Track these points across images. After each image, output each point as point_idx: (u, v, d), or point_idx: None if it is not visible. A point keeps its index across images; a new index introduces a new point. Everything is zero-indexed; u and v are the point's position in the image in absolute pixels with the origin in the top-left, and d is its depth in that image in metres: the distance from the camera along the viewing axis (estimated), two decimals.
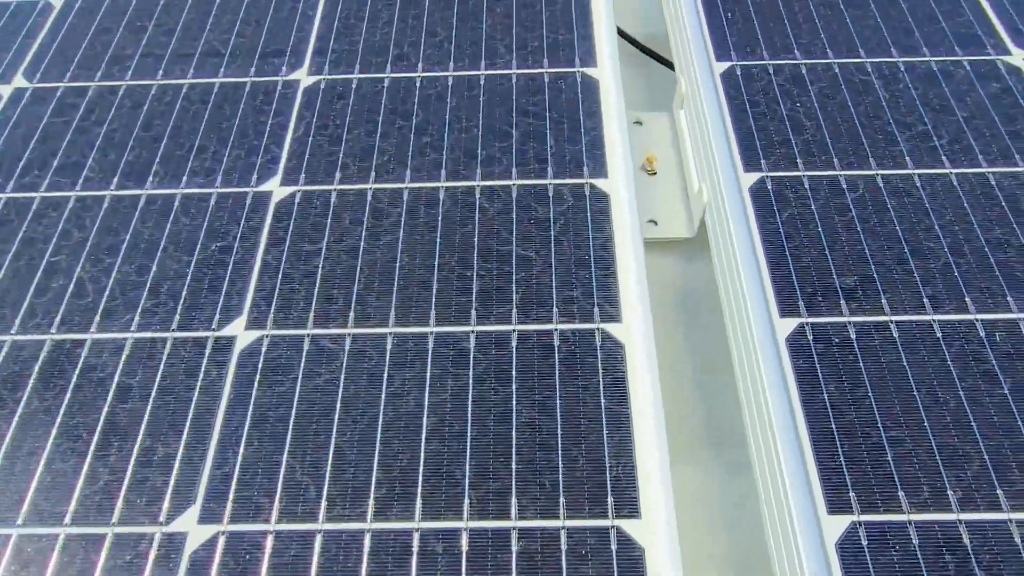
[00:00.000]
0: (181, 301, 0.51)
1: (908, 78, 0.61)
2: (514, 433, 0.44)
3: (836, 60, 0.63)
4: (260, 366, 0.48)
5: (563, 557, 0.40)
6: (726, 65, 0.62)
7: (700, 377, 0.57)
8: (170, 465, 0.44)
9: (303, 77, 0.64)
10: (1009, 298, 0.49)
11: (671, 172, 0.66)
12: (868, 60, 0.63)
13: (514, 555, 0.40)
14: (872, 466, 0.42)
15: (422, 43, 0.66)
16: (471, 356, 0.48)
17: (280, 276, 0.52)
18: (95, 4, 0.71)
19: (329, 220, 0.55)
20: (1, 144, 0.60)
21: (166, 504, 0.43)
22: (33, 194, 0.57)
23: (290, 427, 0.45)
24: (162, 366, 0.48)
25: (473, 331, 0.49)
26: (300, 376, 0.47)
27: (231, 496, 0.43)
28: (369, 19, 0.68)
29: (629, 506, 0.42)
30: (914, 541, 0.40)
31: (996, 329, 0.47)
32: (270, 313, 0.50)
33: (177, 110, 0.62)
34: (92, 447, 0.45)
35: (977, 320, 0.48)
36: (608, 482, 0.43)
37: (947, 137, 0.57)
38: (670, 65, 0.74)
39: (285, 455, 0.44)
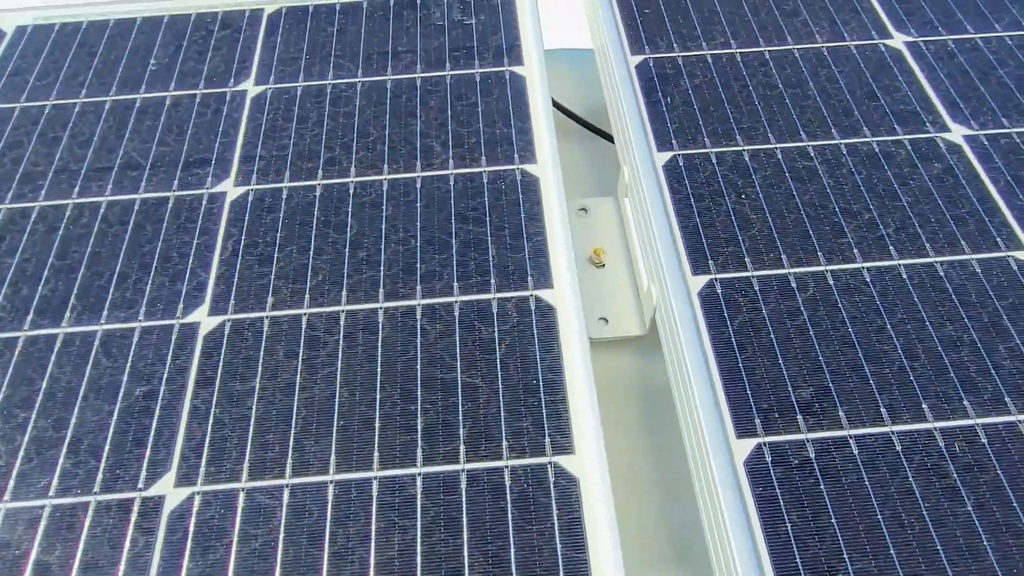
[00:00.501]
0: (104, 458, 0.48)
1: (851, 162, 0.61)
2: None
3: (779, 145, 0.62)
4: (191, 530, 0.45)
5: None
6: (668, 155, 0.61)
7: (661, 482, 0.56)
8: None
9: (229, 189, 0.61)
10: (966, 402, 0.48)
11: (620, 264, 0.65)
12: (810, 143, 0.62)
13: None
14: None
15: (354, 144, 0.64)
16: (418, 504, 0.45)
17: (211, 422, 0.49)
18: (5, 114, 0.67)
19: (262, 354, 0.52)
20: None
21: None
22: None
23: None
24: (83, 537, 0.45)
25: (419, 473, 0.47)
26: (235, 540, 0.44)
27: None
28: (298, 120, 0.66)
29: None
30: None
31: (955, 439, 0.47)
32: (201, 466, 0.47)
33: (95, 233, 0.59)
34: None
35: (935, 428, 0.47)
36: None
37: (893, 225, 0.57)
38: (612, 139, 0.73)
39: None
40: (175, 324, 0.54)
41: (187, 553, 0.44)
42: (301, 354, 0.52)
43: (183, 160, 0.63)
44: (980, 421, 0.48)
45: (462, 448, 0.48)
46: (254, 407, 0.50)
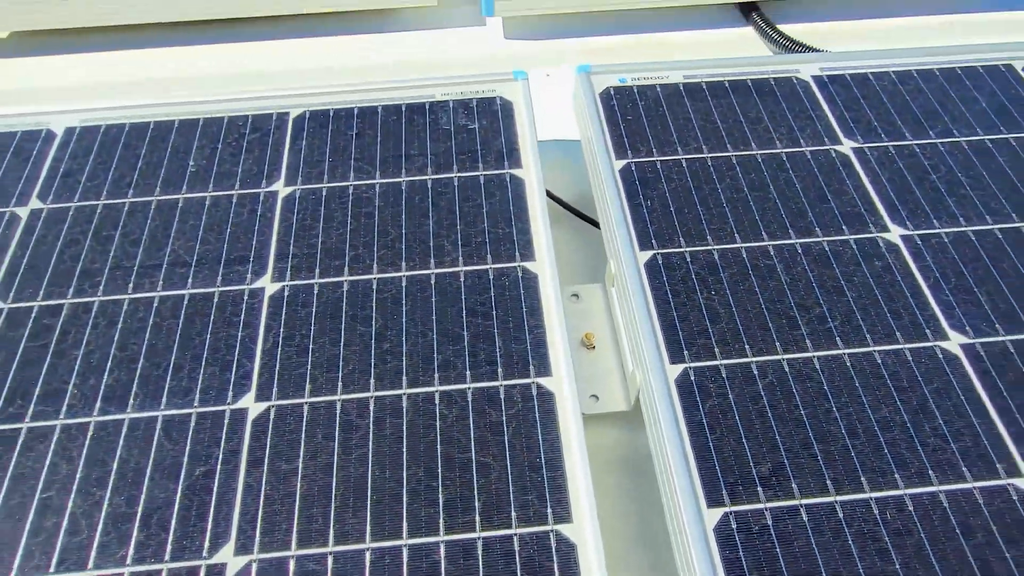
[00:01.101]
0: (171, 531, 0.57)
1: (805, 260, 0.72)
2: None
3: (743, 244, 0.73)
4: None
5: None
6: (648, 254, 0.72)
7: (645, 542, 0.65)
8: None
9: (267, 284, 0.71)
10: (896, 475, 0.59)
11: (608, 346, 0.75)
12: (770, 243, 0.73)
13: None
14: None
15: (375, 243, 0.74)
16: (442, 568, 0.55)
17: (262, 498, 0.58)
18: (61, 214, 0.77)
19: (303, 436, 0.61)
20: None
21: None
22: (19, 425, 0.63)
23: None
24: None
25: (442, 541, 0.56)
26: None
27: None
28: (324, 219, 0.76)
29: None
30: None
31: (887, 507, 0.57)
32: (256, 537, 0.57)
33: (150, 327, 0.68)
34: None
35: (871, 498, 0.58)
36: None
37: (840, 318, 0.68)
38: (598, 224, 0.84)
39: None
40: (226, 410, 0.63)
41: None
42: (337, 436, 0.62)
43: (224, 258, 0.73)
44: (908, 492, 0.58)
45: (478, 519, 0.57)
46: (298, 484, 0.59)
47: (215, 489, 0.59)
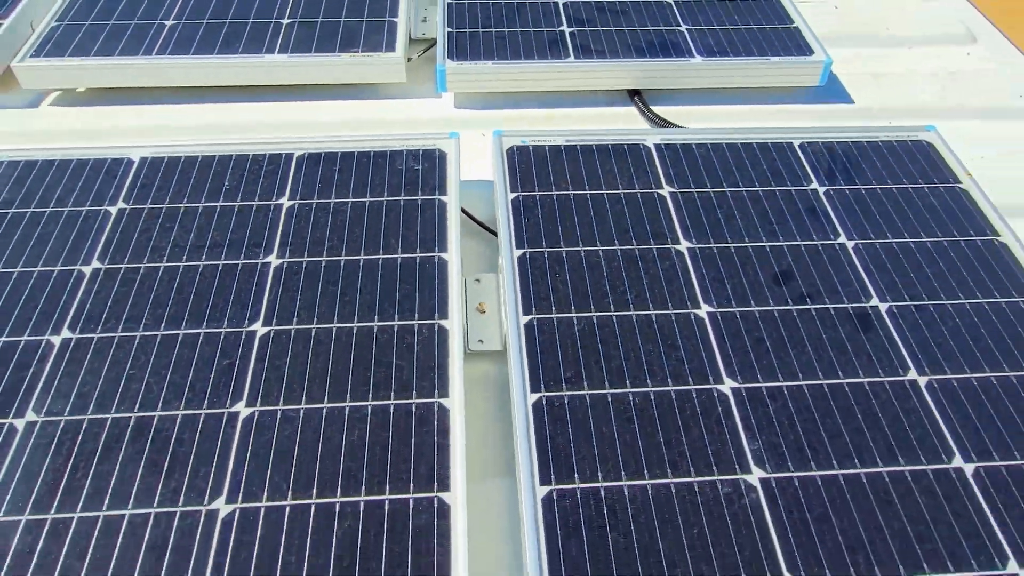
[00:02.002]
0: None
1: (621, 260, 1.13)
2: None
3: (592, 247, 1.14)
4: None
5: None
6: (521, 251, 1.13)
7: (507, 441, 1.05)
8: None
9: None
10: None
11: (494, 312, 1.16)
12: (601, 248, 1.15)
13: None
14: None
15: (345, 236, 1.15)
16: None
17: None
18: (138, 212, 1.18)
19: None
20: None
21: None
22: None
23: None
24: None
25: (347, 406, 0.96)
26: None
27: None
28: (316, 216, 1.17)
29: None
30: None
31: None
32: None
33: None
34: None
35: None
36: None
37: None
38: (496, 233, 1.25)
39: None
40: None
41: None
42: None
43: (243, 242, 1.14)
44: None
45: (394, 391, 0.97)
46: None
47: None
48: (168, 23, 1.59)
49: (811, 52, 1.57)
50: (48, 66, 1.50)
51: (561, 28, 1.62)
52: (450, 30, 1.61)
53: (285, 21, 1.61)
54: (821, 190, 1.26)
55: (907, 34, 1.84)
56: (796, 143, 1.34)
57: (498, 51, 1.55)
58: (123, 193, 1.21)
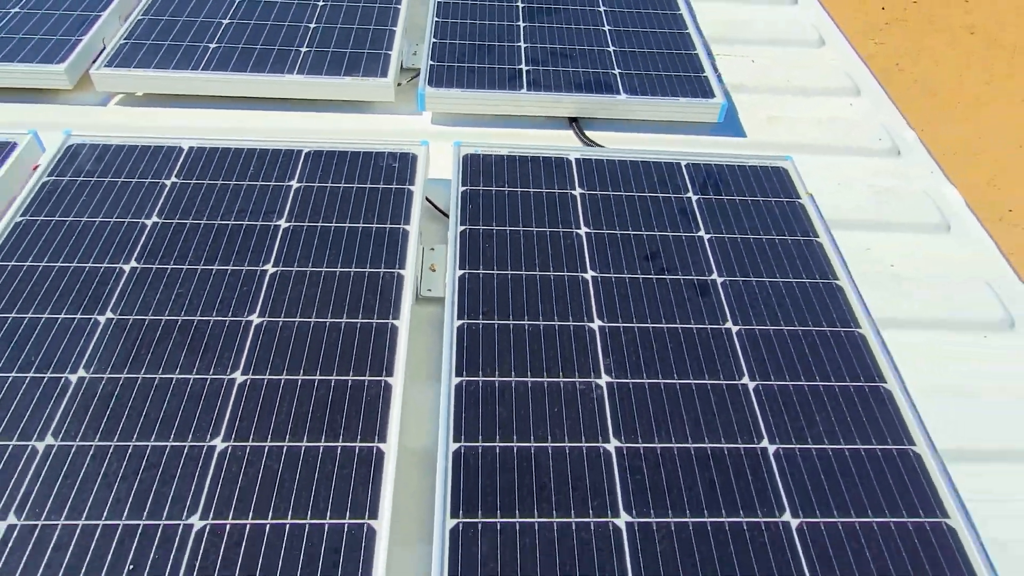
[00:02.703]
0: None
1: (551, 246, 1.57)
2: None
3: (522, 229, 1.58)
4: None
5: None
6: (463, 228, 1.57)
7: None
8: None
9: (282, 222, 1.56)
10: None
11: (442, 272, 1.59)
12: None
13: None
14: None
15: (337, 209, 1.60)
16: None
17: None
18: (186, 187, 1.62)
19: None
20: None
21: None
22: None
23: None
24: None
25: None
26: None
27: None
28: (330, 198, 1.62)
29: None
30: None
31: None
32: None
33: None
34: None
35: None
36: None
37: None
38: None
39: None
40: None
41: None
42: None
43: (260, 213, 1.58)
44: None
45: (346, 310, 1.40)
46: None
47: None
48: (211, 46, 2.05)
49: (713, 96, 2.03)
50: (116, 75, 1.96)
51: (519, 66, 2.08)
52: (432, 63, 2.07)
53: (303, 49, 2.07)
54: (694, 198, 1.70)
55: (805, 86, 2.29)
56: (683, 163, 1.79)
57: (468, 81, 2.01)
58: (175, 171, 1.65)
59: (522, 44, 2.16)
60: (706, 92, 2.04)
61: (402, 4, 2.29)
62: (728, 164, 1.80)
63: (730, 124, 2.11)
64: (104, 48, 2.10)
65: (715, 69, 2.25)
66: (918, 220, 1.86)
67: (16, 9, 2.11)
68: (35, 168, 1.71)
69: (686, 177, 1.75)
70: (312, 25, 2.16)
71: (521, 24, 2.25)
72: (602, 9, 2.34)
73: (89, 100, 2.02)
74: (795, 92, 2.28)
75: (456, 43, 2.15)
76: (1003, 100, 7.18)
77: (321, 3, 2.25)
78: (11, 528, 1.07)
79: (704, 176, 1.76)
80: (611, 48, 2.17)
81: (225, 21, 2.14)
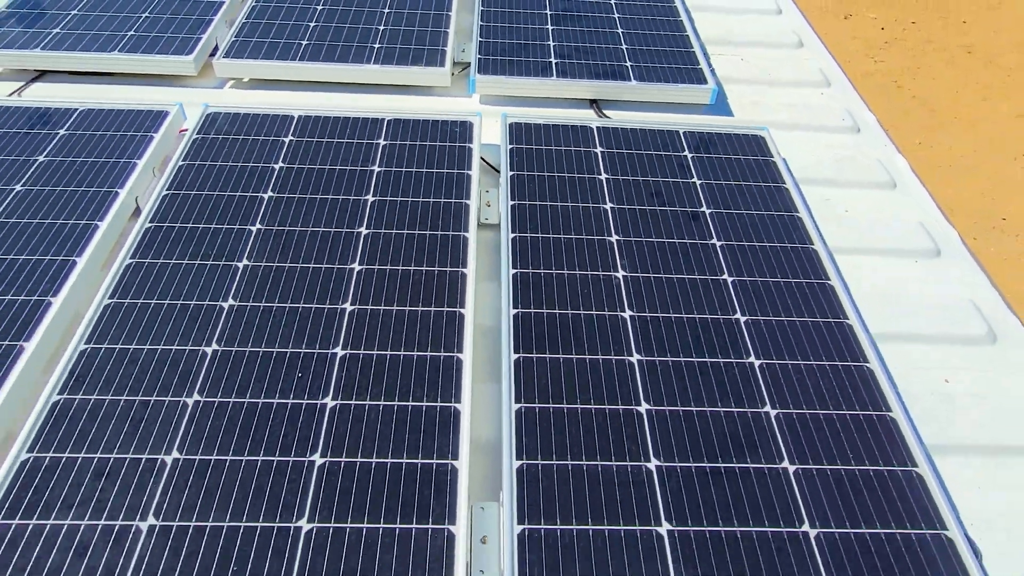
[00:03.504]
0: None
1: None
2: None
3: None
4: None
5: None
6: (511, 173, 2.10)
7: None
8: None
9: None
10: None
11: (495, 208, 2.11)
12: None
13: None
14: None
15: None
16: None
17: None
18: (301, 142, 2.16)
19: None
20: None
21: None
22: None
23: None
24: None
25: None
26: None
27: None
28: (405, 164, 2.15)
29: None
30: None
31: None
32: None
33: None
34: None
35: None
36: None
37: None
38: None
39: None
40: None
41: None
42: None
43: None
44: None
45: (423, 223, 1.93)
46: None
47: None
48: (303, 42, 2.61)
49: (706, 82, 2.56)
50: (233, 64, 2.51)
51: (550, 60, 2.62)
52: (480, 56, 2.62)
53: (376, 45, 2.62)
54: (689, 156, 2.23)
55: (784, 79, 2.83)
56: (681, 131, 2.32)
57: (509, 70, 2.55)
58: (291, 131, 2.19)
59: (551, 43, 2.71)
60: (700, 80, 2.58)
61: (452, 11, 2.84)
62: (716, 132, 2.32)
63: (720, 106, 2.64)
64: (217, 45, 2.65)
65: (708, 63, 2.79)
66: (869, 179, 2.38)
67: (147, 14, 2.67)
68: (182, 131, 2.25)
69: (683, 141, 2.28)
70: (382, 28, 2.72)
71: (550, 27, 2.80)
72: (616, 16, 2.89)
73: (210, 84, 2.58)
74: (775, 83, 2.81)
75: (498, 42, 2.70)
76: (999, 116, 7.72)
77: (387, 11, 2.81)
78: None
79: (697, 140, 2.29)
80: (623, 46, 2.71)
81: (312, 24, 2.70)
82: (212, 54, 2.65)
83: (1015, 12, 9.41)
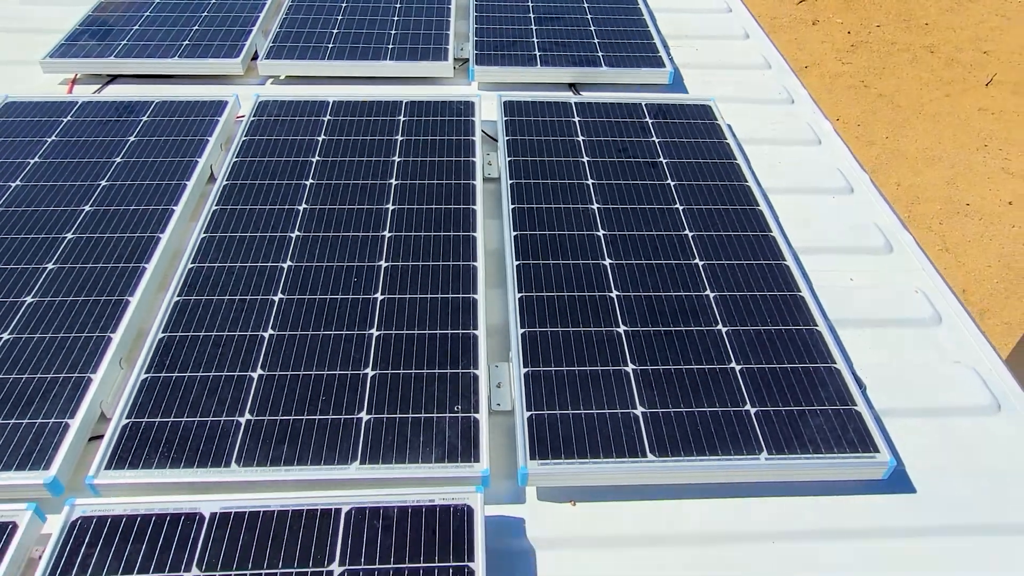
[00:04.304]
0: None
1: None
2: None
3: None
4: None
5: None
6: (507, 139, 2.67)
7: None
8: None
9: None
10: None
11: (496, 167, 2.68)
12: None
13: None
14: None
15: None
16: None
17: None
18: (335, 121, 2.73)
19: None
20: None
21: None
22: None
23: None
24: None
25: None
26: None
27: None
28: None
29: None
30: None
31: None
32: None
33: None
34: None
35: None
36: None
37: None
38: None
39: None
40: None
41: None
42: None
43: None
44: None
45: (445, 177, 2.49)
46: None
47: None
48: (329, 45, 3.19)
49: (664, 67, 3.15)
50: (272, 64, 3.09)
51: (534, 53, 3.20)
52: (476, 52, 3.20)
53: (390, 46, 3.20)
54: (650, 121, 2.80)
55: (731, 63, 3.42)
56: (643, 103, 2.89)
57: (502, 61, 3.13)
58: (328, 112, 2.76)
59: (535, 39, 3.30)
60: (659, 64, 3.16)
61: (451, 17, 3.43)
62: (672, 103, 2.90)
63: (677, 86, 3.23)
64: (257, 50, 3.23)
65: (667, 52, 3.38)
66: (798, 137, 2.96)
67: (196, 27, 3.25)
68: (239, 117, 2.82)
69: (644, 110, 2.86)
70: (394, 32, 3.30)
71: (534, 27, 3.39)
72: (588, 17, 3.48)
73: (251, 82, 3.15)
74: (723, 67, 3.40)
75: (492, 40, 3.29)
76: (960, 110, 8.38)
77: (397, 19, 3.40)
78: None
79: (656, 109, 2.87)
80: (596, 40, 3.30)
81: (335, 31, 3.29)
82: (254, 58, 3.23)
83: (973, 13, 10.13)
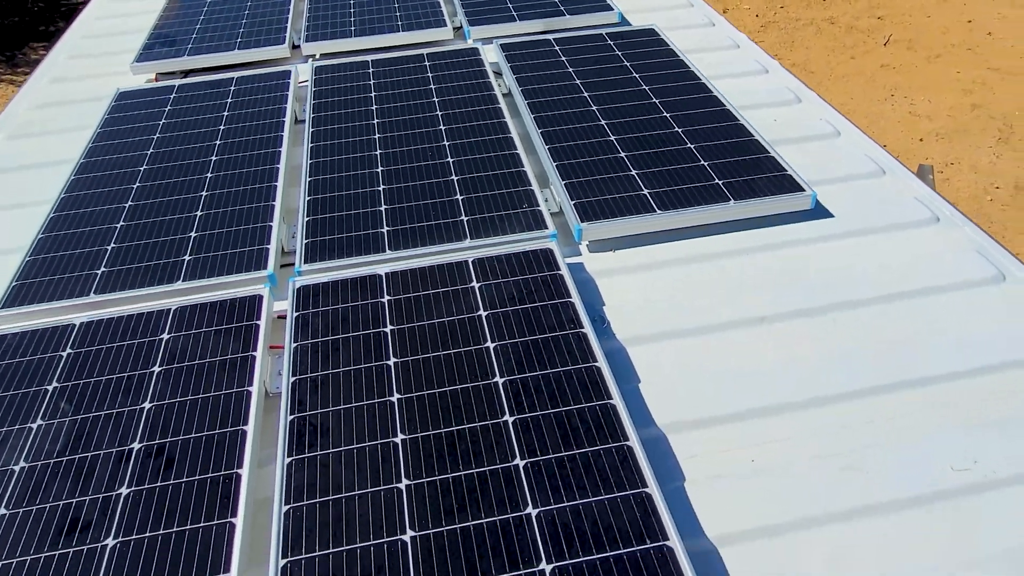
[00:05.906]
0: None
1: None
2: None
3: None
4: None
5: None
6: (509, 64, 3.66)
7: None
8: None
9: None
10: None
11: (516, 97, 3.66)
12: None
13: None
14: None
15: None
16: None
17: None
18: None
19: None
20: None
21: None
22: None
23: None
24: None
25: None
26: None
27: None
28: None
29: None
30: None
31: None
32: None
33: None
34: None
35: None
36: None
37: None
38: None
39: None
40: None
41: None
42: None
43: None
44: None
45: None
46: None
47: None
48: (354, 20, 4.16)
49: (612, 9, 4.20)
50: (312, 45, 4.04)
51: (511, 13, 4.22)
52: (468, 17, 4.20)
53: (400, 22, 4.20)
54: (611, 43, 3.82)
55: (703, 47, 4.50)
56: (604, 32, 3.92)
57: (487, 22, 4.14)
58: (371, 68, 3.72)
59: (509, 4, 4.33)
60: (609, 8, 4.22)
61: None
62: (622, 31, 3.94)
63: (624, 26, 4.29)
64: (293, 38, 4.18)
65: None
66: (746, 69, 4.01)
67: (243, 28, 4.19)
68: (301, 83, 3.77)
69: (609, 41, 3.89)
70: (399, 12, 4.29)
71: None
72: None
73: (293, 63, 4.10)
74: (698, 50, 4.48)
75: (476, 7, 4.30)
76: (865, 68, 9.71)
77: (399, 3, 4.40)
78: None
79: (617, 37, 3.90)
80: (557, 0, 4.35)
81: (354, 12, 4.26)
82: (296, 46, 4.19)
83: None
